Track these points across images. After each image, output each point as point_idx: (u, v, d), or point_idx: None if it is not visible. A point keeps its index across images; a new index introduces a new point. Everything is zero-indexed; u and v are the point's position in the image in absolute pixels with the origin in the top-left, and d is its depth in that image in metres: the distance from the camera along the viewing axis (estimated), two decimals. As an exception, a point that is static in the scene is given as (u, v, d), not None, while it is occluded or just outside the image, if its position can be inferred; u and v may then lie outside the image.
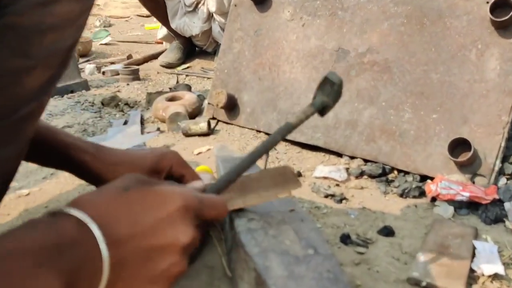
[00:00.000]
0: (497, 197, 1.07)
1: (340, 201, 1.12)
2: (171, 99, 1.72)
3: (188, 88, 2.05)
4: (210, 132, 1.52)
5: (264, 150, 0.66)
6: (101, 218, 0.40)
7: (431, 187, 1.14)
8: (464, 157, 1.16)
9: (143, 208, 0.42)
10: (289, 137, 1.43)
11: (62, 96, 2.10)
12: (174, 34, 2.79)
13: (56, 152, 0.73)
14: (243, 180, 0.73)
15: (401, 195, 1.17)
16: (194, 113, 1.68)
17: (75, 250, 0.38)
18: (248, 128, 1.54)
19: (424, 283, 0.80)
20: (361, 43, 1.39)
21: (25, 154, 0.58)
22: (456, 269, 0.83)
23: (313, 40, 1.46)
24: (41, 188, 1.15)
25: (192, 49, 2.89)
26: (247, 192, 0.75)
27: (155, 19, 3.09)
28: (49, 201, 1.08)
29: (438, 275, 0.81)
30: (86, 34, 3.77)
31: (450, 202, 1.10)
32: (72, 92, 2.18)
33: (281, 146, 1.44)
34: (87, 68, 2.69)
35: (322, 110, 0.72)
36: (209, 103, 1.62)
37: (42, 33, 0.48)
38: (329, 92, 0.70)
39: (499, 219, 1.04)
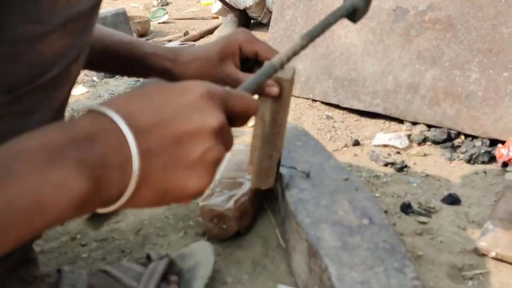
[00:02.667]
0: None
1: (401, 169, 1.07)
2: (226, 72, 1.71)
3: (243, 60, 2.03)
4: (264, 103, 1.49)
5: (302, 45, 0.58)
6: (122, 110, 0.37)
7: (502, 152, 1.05)
8: (540, 117, 1.06)
9: (165, 98, 0.40)
10: (346, 105, 1.38)
11: (122, 76, 2.16)
12: (228, 8, 2.77)
13: (139, 64, 0.76)
14: None
15: (469, 161, 1.09)
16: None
17: (97, 141, 0.35)
18: (303, 98, 1.50)
19: (493, 254, 0.74)
20: (421, 0, 1.29)
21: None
22: (530, 239, 0.76)
23: (369, 1, 1.38)
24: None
25: (247, 22, 2.86)
26: None
27: (210, -6, 3.08)
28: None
29: (509, 245, 0.75)
30: (145, 14, 3.84)
31: (524, 167, 1.01)
32: (131, 71, 2.23)
33: (338, 115, 1.39)
34: (146, 47, 2.74)
35: (353, 14, 0.63)
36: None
37: None
38: None
39: None
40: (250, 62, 0.72)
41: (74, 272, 0.62)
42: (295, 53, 0.58)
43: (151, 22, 3.45)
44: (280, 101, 0.67)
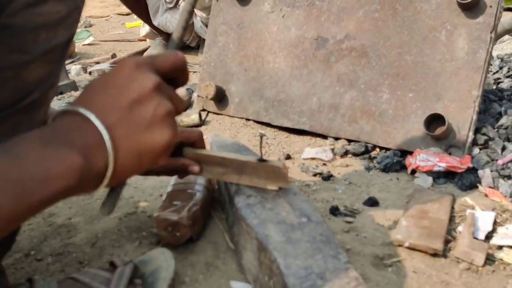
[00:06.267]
0: (471, 165, 1.17)
1: (328, 178, 1.21)
2: (161, 94, 1.78)
3: (176, 83, 2.11)
4: (201, 123, 1.59)
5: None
6: (86, 103, 0.48)
7: (410, 161, 1.23)
8: (439, 131, 1.26)
9: (109, 81, 0.50)
10: (276, 123, 1.52)
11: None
12: (156, 31, 2.84)
13: None
14: (241, 163, 0.81)
15: (384, 170, 1.26)
16: (185, 106, 1.75)
17: (76, 130, 0.46)
18: (237, 117, 1.61)
19: (407, 244, 0.89)
20: (339, 30, 1.47)
21: None
22: (435, 230, 0.92)
23: (294, 30, 1.54)
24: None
25: (175, 45, 2.94)
26: (242, 174, 0.83)
27: (135, 17, 3.14)
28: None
29: (419, 236, 0.90)
30: (68, 35, 3.78)
31: (429, 173, 1.19)
32: (61, 93, 2.22)
33: (270, 132, 1.52)
34: (73, 69, 2.72)
35: None
36: (198, 96, 1.69)
37: (35, 31, 0.55)
38: None
39: (473, 185, 1.14)
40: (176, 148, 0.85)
41: (45, 280, 0.67)
42: (187, 21, 0.68)
43: (76, 44, 3.42)
44: None
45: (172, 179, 1.00)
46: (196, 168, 0.83)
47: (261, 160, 0.78)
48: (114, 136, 0.47)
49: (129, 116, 0.48)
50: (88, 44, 3.56)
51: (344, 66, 1.45)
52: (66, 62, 3.02)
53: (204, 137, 1.47)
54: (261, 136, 0.78)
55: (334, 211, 1.02)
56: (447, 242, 0.91)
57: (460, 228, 0.96)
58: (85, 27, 4.17)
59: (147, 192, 1.12)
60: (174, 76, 0.55)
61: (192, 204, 0.89)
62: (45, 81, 0.60)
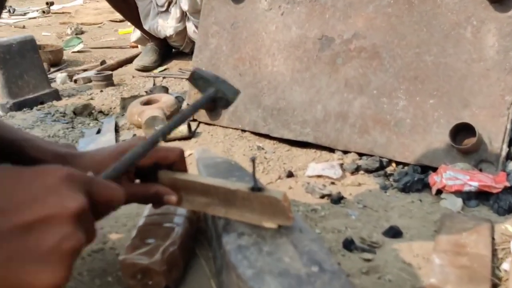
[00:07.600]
0: (508, 184, 0.99)
1: (338, 201, 1.02)
2: (147, 103, 1.61)
3: (165, 90, 1.93)
4: (191, 135, 1.41)
5: (160, 135, 0.62)
6: None
7: (435, 179, 1.04)
8: (468, 143, 1.07)
9: (17, 181, 0.37)
10: (276, 134, 1.33)
11: (31, 109, 1.98)
12: (148, 36, 2.66)
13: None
14: (230, 192, 0.63)
15: (403, 190, 1.07)
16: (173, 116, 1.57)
17: None
18: (232, 128, 1.43)
19: (444, 291, 0.70)
20: (346, 28, 1.29)
21: None
22: (477, 271, 0.73)
23: (294, 29, 1.36)
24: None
25: (168, 51, 2.77)
26: (231, 206, 0.64)
27: (129, 24, 2.98)
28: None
29: (460, 280, 0.71)
30: (57, 42, 3.62)
31: (458, 193, 1.00)
32: (42, 103, 2.05)
33: (269, 145, 1.34)
34: (59, 77, 2.54)
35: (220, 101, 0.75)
36: (188, 104, 1.51)
37: None
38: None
39: (512, 209, 0.95)
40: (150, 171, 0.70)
41: None
42: (165, 132, 0.63)
43: (65, 51, 3.26)
44: None
45: (146, 208, 0.81)
46: (173, 198, 0.64)
47: (255, 189, 0.60)
48: None
49: (20, 238, 0.35)
50: (78, 52, 3.39)
51: (353, 69, 1.26)
52: (52, 70, 2.86)
53: (191, 152, 1.29)
54: (253, 159, 0.60)
55: (349, 245, 0.83)
56: (494, 286, 0.72)
57: (505, 266, 0.77)
58: (76, 34, 4.00)
59: (121, 221, 0.93)
60: (100, 206, 0.45)
61: (169, 243, 0.69)
62: None
